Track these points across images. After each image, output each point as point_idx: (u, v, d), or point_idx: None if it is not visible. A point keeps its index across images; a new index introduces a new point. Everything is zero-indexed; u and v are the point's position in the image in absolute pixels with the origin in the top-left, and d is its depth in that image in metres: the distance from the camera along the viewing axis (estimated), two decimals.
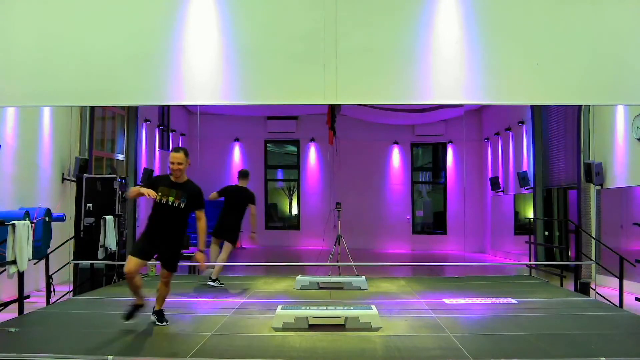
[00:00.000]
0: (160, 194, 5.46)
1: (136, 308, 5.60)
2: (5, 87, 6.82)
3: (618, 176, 9.80)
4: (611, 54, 6.70)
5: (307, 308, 5.93)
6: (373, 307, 5.97)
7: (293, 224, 17.55)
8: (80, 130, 10.32)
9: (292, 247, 16.72)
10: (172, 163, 5.52)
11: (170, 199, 5.49)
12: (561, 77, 6.77)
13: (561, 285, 8.78)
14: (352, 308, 5.93)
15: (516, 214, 14.24)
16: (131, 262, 5.49)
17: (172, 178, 5.56)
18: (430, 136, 17.17)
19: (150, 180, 5.54)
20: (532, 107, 12.62)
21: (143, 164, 13.15)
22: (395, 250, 16.54)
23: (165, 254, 5.70)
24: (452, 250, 16.23)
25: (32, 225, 6.91)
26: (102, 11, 6.82)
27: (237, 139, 17.34)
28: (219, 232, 8.29)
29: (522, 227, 13.77)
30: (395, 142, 17.17)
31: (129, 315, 5.56)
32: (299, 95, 6.98)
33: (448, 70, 6.80)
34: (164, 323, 5.75)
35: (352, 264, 9.21)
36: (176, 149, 5.61)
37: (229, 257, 8.30)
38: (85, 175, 9.46)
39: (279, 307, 5.90)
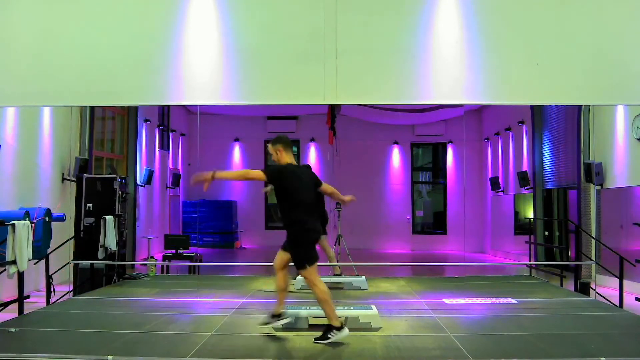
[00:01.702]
0: None
1: (274, 317, 5.29)
2: (5, 87, 6.82)
3: (618, 176, 9.79)
4: (611, 54, 6.70)
5: (307, 308, 5.92)
6: (373, 307, 5.97)
7: None
8: (80, 130, 10.31)
9: None
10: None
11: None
12: (561, 77, 6.77)
13: (561, 285, 8.78)
14: (352, 308, 5.93)
15: (516, 214, 14.24)
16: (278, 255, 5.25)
17: None
18: (430, 136, 17.18)
19: None
20: (532, 107, 12.62)
21: (143, 164, 13.15)
22: (395, 250, 16.54)
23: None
24: (452, 250, 16.23)
25: (32, 225, 6.90)
26: (102, 11, 6.82)
27: (237, 139, 17.35)
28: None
29: (522, 227, 13.77)
30: (395, 142, 17.17)
31: (266, 323, 5.28)
32: (299, 95, 6.98)
33: (448, 70, 6.79)
34: (319, 341, 5.06)
35: (352, 264, 9.21)
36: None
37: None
38: (85, 175, 9.46)
39: None
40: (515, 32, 6.78)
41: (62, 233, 8.77)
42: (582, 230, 9.95)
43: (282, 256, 5.28)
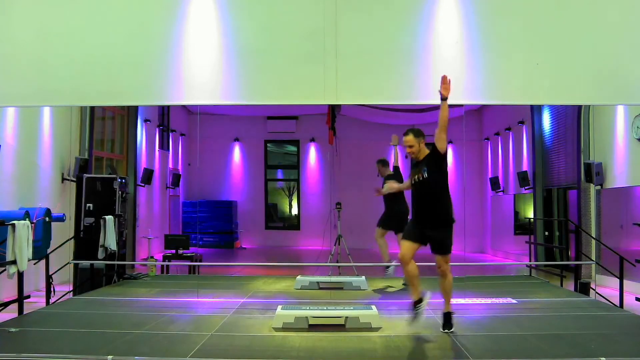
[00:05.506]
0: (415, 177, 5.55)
1: (416, 305, 5.25)
2: (5, 87, 6.83)
3: (618, 176, 9.79)
4: (611, 54, 6.70)
5: (307, 308, 5.92)
6: (373, 307, 5.97)
7: (293, 224, 17.56)
8: (80, 130, 10.32)
9: (292, 247, 16.71)
10: (406, 148, 5.79)
11: (416, 177, 5.54)
12: (561, 77, 6.77)
13: (561, 285, 8.78)
14: (352, 308, 5.93)
15: (516, 214, 14.24)
16: (404, 246, 5.37)
17: (414, 160, 5.76)
18: (430, 136, 17.09)
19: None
20: (532, 107, 12.62)
21: (143, 164, 13.15)
22: (395, 250, 16.50)
23: (432, 236, 5.45)
24: (452, 250, 16.20)
25: (32, 225, 6.91)
26: (102, 11, 6.82)
27: (237, 139, 17.35)
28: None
29: (522, 227, 13.77)
30: None
31: (414, 318, 5.26)
32: (299, 95, 6.98)
33: (448, 70, 6.75)
34: (447, 330, 5.35)
35: (352, 264, 9.21)
36: (405, 132, 5.82)
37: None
38: (85, 175, 9.46)
39: (279, 307, 5.89)
40: (515, 32, 6.79)
41: (62, 233, 8.77)
42: (582, 230, 9.95)
43: (412, 246, 5.39)
